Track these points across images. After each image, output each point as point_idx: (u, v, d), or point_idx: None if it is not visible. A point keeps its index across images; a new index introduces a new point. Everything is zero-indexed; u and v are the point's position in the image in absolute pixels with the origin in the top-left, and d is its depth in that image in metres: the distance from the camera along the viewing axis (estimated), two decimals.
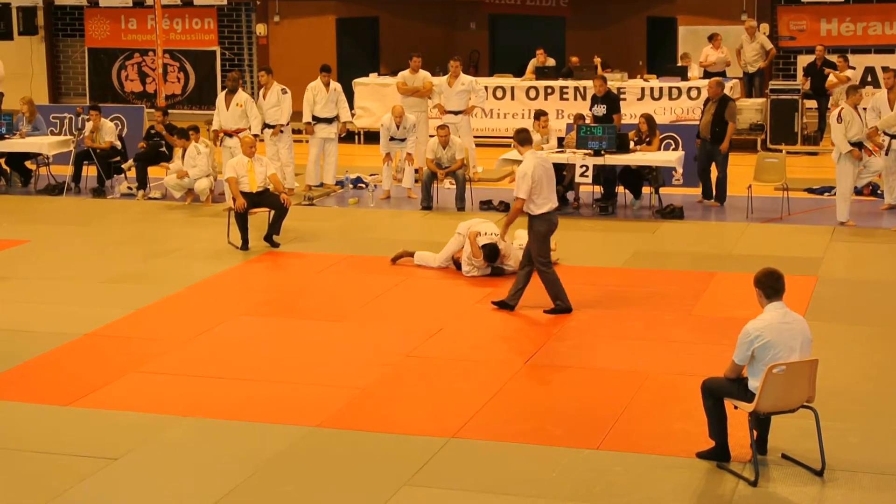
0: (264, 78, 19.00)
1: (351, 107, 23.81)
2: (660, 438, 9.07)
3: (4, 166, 20.14)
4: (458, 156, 17.88)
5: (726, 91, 22.10)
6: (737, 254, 14.87)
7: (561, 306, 12.41)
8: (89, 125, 19.49)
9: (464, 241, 14.06)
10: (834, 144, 16.61)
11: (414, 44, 23.72)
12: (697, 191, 18.11)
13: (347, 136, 23.00)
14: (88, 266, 14.62)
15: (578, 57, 24.84)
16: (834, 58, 22.80)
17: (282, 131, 18.81)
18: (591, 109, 18.80)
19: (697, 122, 18.68)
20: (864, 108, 17.05)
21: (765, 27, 24.69)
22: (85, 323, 12.13)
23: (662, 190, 17.69)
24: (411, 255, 14.48)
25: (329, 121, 19.22)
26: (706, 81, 20.16)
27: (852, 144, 16.22)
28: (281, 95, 18.76)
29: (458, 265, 14.14)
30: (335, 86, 19.32)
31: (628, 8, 26.98)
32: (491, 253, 13.78)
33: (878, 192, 17.84)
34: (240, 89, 18.59)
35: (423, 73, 20.45)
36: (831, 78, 22.25)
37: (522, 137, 12.52)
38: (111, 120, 20.08)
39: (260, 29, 27.55)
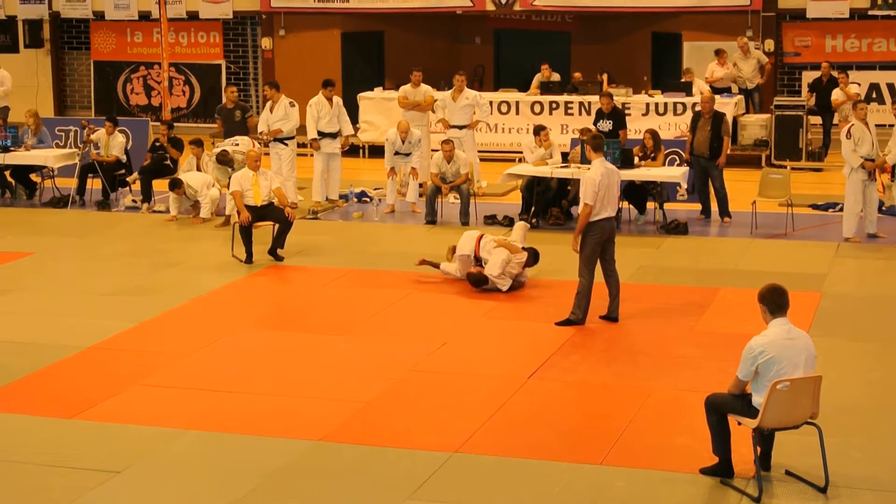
0: (269, 92, 19.01)
1: (356, 121, 23.86)
2: (663, 454, 9.05)
3: (10, 179, 20.16)
4: (463, 170, 17.90)
5: (732, 107, 22.22)
6: (741, 269, 14.85)
7: (574, 319, 12.48)
8: (101, 134, 19.48)
9: (471, 247, 14.09)
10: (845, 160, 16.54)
11: (419, 58, 23.73)
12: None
13: (352, 150, 23.03)
14: (92, 279, 14.63)
15: (583, 72, 24.85)
16: (835, 74, 22.77)
17: (285, 143, 18.82)
18: (595, 124, 18.79)
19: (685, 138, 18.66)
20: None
21: (769, 43, 24.69)
22: (88, 336, 12.13)
23: (667, 205, 17.68)
24: (435, 265, 14.42)
25: (333, 136, 19.21)
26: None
27: (866, 160, 16.20)
28: (289, 108, 18.78)
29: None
30: (337, 100, 19.33)
31: (633, 23, 26.98)
32: (535, 255, 14.15)
33: (883, 208, 17.81)
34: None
35: (425, 87, 20.47)
36: (837, 95, 22.20)
37: (596, 144, 12.63)
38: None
39: (265, 43, 27.58)
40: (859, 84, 23.34)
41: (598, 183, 12.26)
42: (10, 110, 23.53)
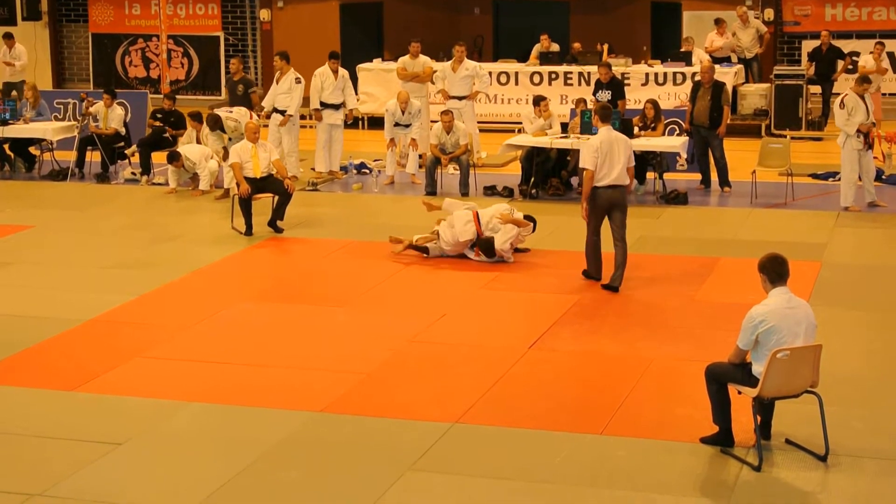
0: (279, 63, 18.89)
1: (355, 92, 23.78)
2: (663, 423, 9.07)
3: (8, 152, 20.13)
4: (462, 141, 17.86)
5: (732, 77, 22.18)
6: (741, 239, 14.85)
7: (590, 274, 12.92)
8: (99, 107, 19.44)
9: (473, 232, 13.89)
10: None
11: (418, 29, 23.69)
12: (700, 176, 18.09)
13: (351, 122, 22.98)
14: (92, 252, 14.63)
15: (582, 42, 24.79)
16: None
17: (284, 115, 18.76)
18: (594, 95, 18.76)
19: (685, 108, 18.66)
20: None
21: (768, 12, 24.63)
22: (89, 308, 12.13)
23: (666, 175, 17.66)
24: (424, 250, 14.19)
25: (336, 107, 19.16)
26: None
27: (858, 131, 16.15)
28: (294, 84, 18.70)
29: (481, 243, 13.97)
30: (343, 72, 19.28)
31: None
32: (534, 223, 14.07)
33: (883, 177, 17.80)
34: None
35: (423, 59, 20.41)
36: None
37: (604, 114, 12.94)
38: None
39: (264, 14, 27.50)
40: (859, 54, 23.33)
41: (596, 149, 12.48)
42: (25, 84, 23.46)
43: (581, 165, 12.68)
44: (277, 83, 18.80)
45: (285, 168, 16.21)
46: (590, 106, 18.09)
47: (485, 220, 13.95)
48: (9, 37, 24.52)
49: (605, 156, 12.50)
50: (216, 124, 17.98)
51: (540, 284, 12.93)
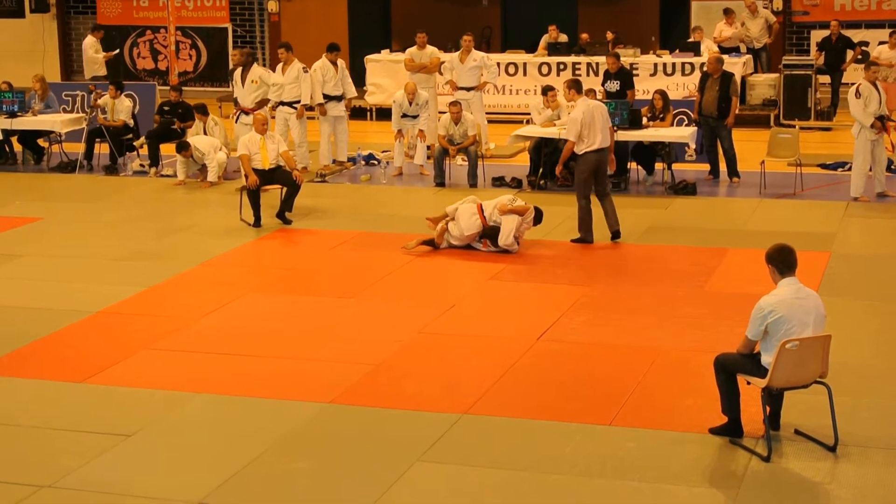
0: (284, 55, 18.82)
1: (363, 83, 23.80)
2: (672, 414, 9.06)
3: (17, 144, 20.16)
4: (470, 132, 17.84)
5: (741, 67, 22.13)
6: (750, 229, 14.83)
7: (583, 237, 13.85)
8: (106, 99, 19.46)
9: (479, 225, 13.86)
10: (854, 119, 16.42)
11: (426, 20, 23.64)
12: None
13: (360, 113, 22.99)
14: (101, 243, 14.64)
15: (590, 33, 24.74)
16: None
17: (294, 107, 18.72)
18: (603, 85, 18.74)
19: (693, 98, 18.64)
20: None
21: (777, 2, 24.57)
22: (97, 300, 12.15)
23: (675, 166, 17.64)
24: (435, 245, 14.15)
25: (338, 99, 19.14)
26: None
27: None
28: (302, 73, 18.65)
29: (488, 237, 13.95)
30: (341, 63, 19.26)
31: None
32: (540, 214, 14.09)
33: (892, 167, 17.75)
34: (255, 65, 18.57)
35: (431, 49, 20.38)
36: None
37: (578, 86, 14.12)
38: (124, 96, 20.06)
39: (272, 6, 27.48)
40: (868, 44, 23.28)
41: (579, 121, 13.63)
42: (15, 75, 23.44)
43: (564, 137, 13.79)
44: (283, 74, 18.72)
45: (293, 159, 16.20)
46: (598, 97, 18.09)
47: (488, 211, 13.93)
48: (97, 29, 24.56)
49: (588, 126, 13.65)
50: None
51: (548, 275, 12.93)
